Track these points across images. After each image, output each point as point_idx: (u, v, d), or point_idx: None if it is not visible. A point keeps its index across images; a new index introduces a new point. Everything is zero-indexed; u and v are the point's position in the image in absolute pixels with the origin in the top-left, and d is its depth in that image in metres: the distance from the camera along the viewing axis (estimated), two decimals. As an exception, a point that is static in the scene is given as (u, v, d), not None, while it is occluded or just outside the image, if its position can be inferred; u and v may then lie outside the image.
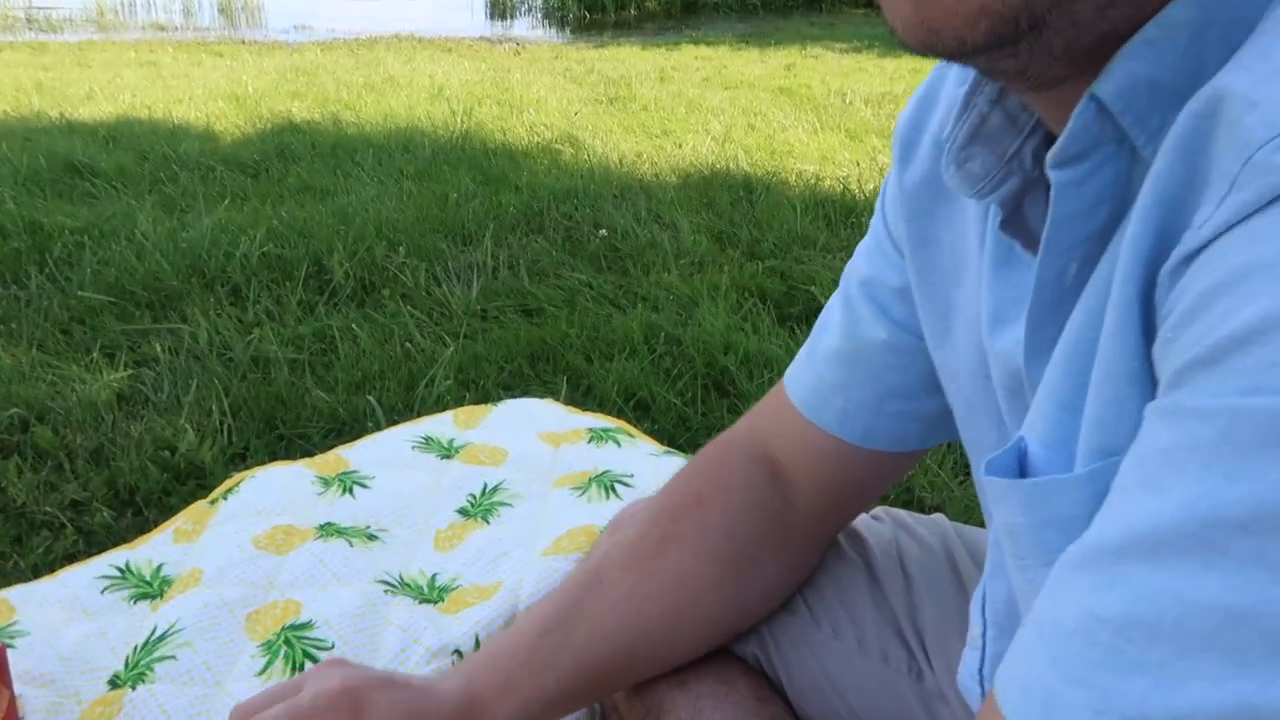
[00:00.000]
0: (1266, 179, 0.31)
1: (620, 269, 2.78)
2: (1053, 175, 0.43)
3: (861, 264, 0.75)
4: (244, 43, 8.69)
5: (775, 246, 3.01)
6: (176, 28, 9.76)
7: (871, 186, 3.76)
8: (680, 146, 4.51)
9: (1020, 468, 0.49)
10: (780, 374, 2.20)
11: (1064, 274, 0.45)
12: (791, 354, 2.16)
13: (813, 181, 3.88)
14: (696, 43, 9.42)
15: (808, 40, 9.60)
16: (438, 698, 0.67)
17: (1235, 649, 0.29)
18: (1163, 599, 0.30)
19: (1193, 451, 0.30)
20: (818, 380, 0.77)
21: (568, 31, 10.97)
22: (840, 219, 3.29)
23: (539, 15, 11.97)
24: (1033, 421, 0.48)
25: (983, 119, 0.51)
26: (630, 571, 0.76)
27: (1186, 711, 0.29)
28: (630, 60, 7.95)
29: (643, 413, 1.98)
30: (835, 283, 2.85)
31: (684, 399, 2.02)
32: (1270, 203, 0.31)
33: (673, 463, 1.65)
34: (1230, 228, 0.32)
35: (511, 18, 11.91)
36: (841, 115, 5.49)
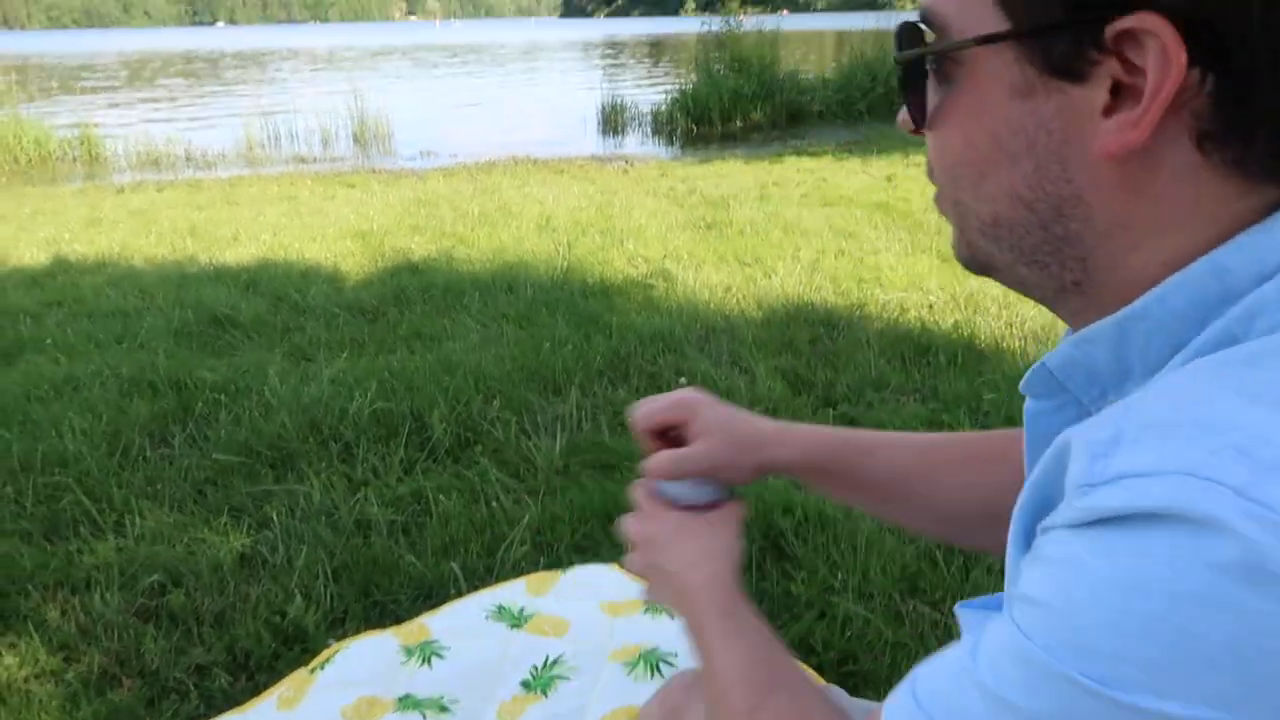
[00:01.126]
0: (1074, 507, 0.46)
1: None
2: (1026, 403, 0.63)
3: None
4: (374, 171, 9.41)
5: (849, 390, 3.14)
6: (315, 159, 10.62)
7: (951, 320, 3.86)
8: (769, 277, 4.70)
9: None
10: (835, 536, 2.29)
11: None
12: (850, 514, 2.29)
13: (895, 314, 4.01)
14: (800, 153, 9.69)
15: (911, 147, 9.74)
16: (753, 420, 0.92)
17: None
18: (970, 710, 0.49)
19: (1005, 644, 0.48)
20: None
21: (676, 145, 11.42)
22: (915, 359, 3.40)
23: (649, 129, 12.49)
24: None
25: None
26: None
27: None
28: (733, 176, 8.25)
29: (701, 577, 2.13)
30: (902, 429, 2.99)
31: (741, 562, 2.16)
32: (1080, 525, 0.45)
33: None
34: (1058, 528, 0.47)
35: (623, 133, 12.46)
36: (936, 235, 5.59)
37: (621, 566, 2.14)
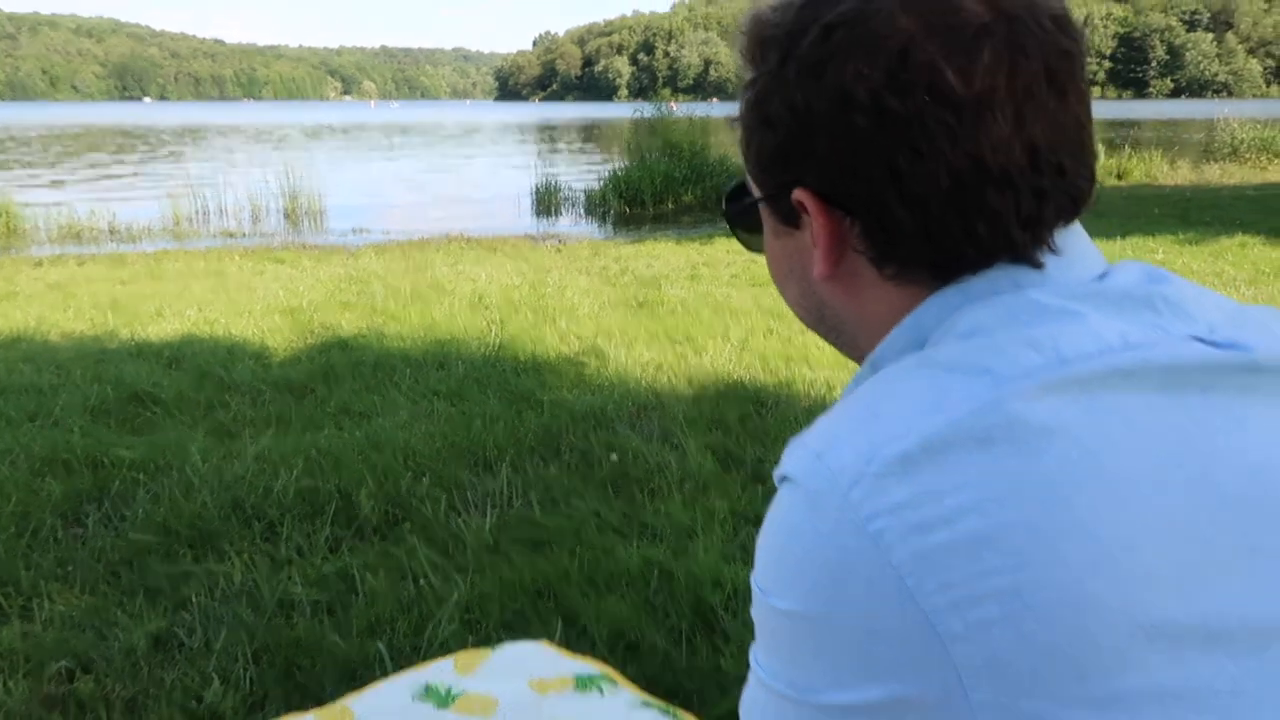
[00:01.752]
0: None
1: (628, 494, 2.97)
2: None
3: None
4: (305, 247, 9.36)
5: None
6: (245, 234, 10.53)
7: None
8: (700, 355, 4.77)
9: None
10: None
11: None
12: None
13: (823, 391, 4.09)
14: (729, 235, 9.89)
15: (835, 230, 10.04)
16: None
17: None
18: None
19: None
20: None
21: (609, 225, 11.60)
22: (841, 435, 3.47)
23: (582, 210, 12.68)
24: None
25: None
26: None
27: None
28: (664, 256, 8.40)
29: (631, 654, 2.12)
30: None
31: (671, 638, 2.16)
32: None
33: (647, 715, 1.79)
34: None
35: (556, 213, 12.62)
36: (858, 314, 5.75)
37: (550, 643, 2.12)
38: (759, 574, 0.61)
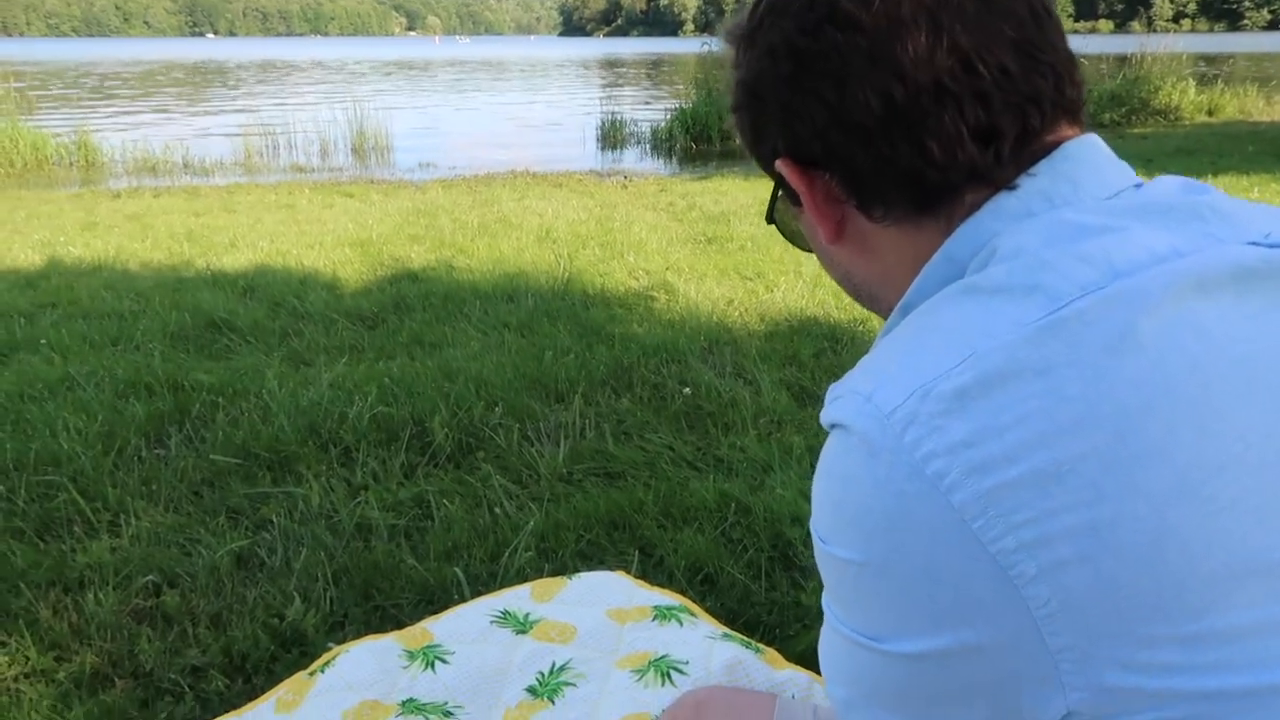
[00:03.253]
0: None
1: (701, 429, 2.93)
2: None
3: None
4: (372, 182, 9.39)
5: (853, 403, 3.11)
6: (314, 169, 10.60)
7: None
8: (771, 291, 4.68)
9: None
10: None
11: None
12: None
13: (898, 329, 3.99)
14: (798, 172, 9.69)
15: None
16: None
17: None
18: None
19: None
20: None
21: (675, 161, 11.44)
22: (920, 373, 3.38)
23: (647, 146, 12.51)
24: None
25: None
26: None
27: None
28: (732, 193, 8.25)
29: (709, 587, 2.09)
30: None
31: (750, 573, 2.13)
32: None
33: (728, 648, 1.76)
34: None
35: (621, 149, 12.47)
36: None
37: (627, 573, 2.10)
38: (817, 523, 0.60)
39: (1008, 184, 0.63)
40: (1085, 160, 0.64)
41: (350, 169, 10.63)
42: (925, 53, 0.61)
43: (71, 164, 10.58)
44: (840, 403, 0.58)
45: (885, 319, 0.75)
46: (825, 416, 0.60)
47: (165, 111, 18.03)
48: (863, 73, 0.62)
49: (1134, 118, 12.90)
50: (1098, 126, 11.93)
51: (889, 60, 0.61)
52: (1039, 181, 0.63)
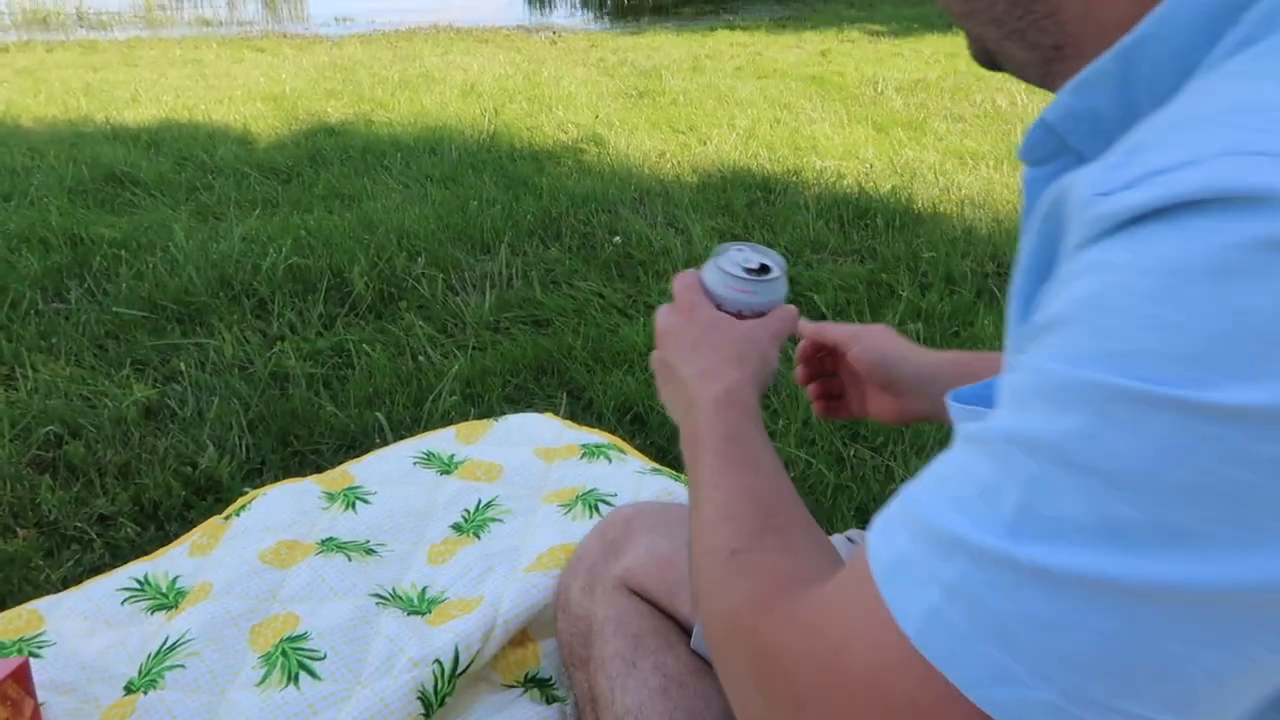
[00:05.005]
0: (1087, 220, 0.41)
1: (632, 277, 2.86)
2: (1024, 171, 0.56)
3: None
4: (286, 36, 8.87)
5: (786, 251, 3.06)
6: (221, 23, 9.97)
7: (888, 185, 3.79)
8: (705, 144, 4.56)
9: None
10: (778, 387, 2.22)
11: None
12: (789, 365, 2.23)
13: (833, 180, 3.92)
14: (733, 28, 9.41)
15: (846, 23, 9.54)
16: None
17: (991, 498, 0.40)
18: (975, 472, 0.42)
19: (1016, 391, 0.42)
20: None
21: (606, 18, 11.00)
22: (853, 221, 3.33)
23: (576, 2, 12.01)
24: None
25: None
26: None
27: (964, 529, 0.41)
28: (664, 48, 7.98)
29: (638, 426, 2.06)
30: (840, 289, 2.92)
31: (679, 412, 2.09)
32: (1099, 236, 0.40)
33: (657, 480, 1.74)
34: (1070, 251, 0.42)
35: (550, 4, 11.95)
36: (872, 106, 5.49)
37: (555, 415, 2.05)
38: (1184, 359, 0.35)
39: None
40: None
41: (261, 22, 10.03)
42: None
43: (-47, 17, 9.79)
44: (1217, 167, 0.36)
45: (1029, 67, 0.55)
46: (1157, 192, 0.37)
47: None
48: None
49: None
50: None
51: None
52: None
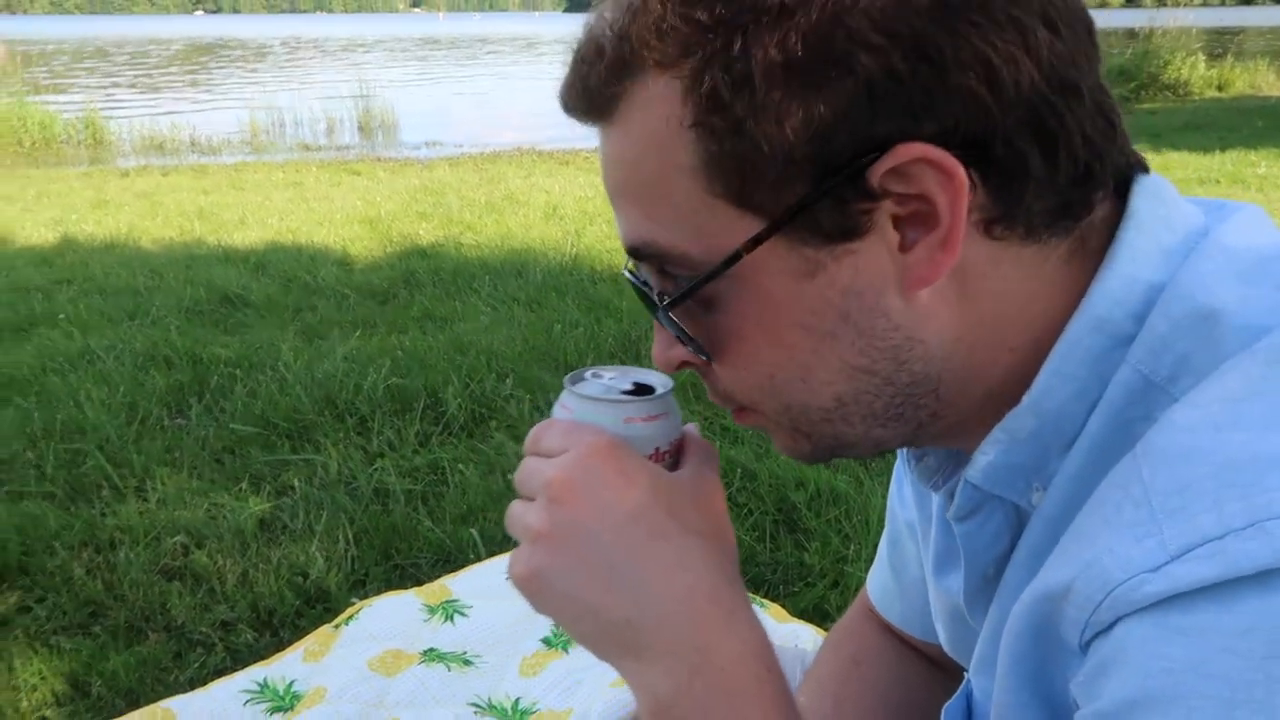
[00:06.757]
0: (1144, 594, 0.42)
1: (707, 401, 2.99)
2: (955, 527, 0.61)
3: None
4: (379, 160, 9.43)
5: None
6: (320, 147, 10.63)
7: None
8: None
9: (969, 705, 0.65)
10: (848, 510, 2.30)
11: (984, 575, 0.63)
12: (861, 488, 2.33)
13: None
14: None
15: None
16: None
17: None
18: None
19: None
20: (884, 580, 0.92)
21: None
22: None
23: (653, 123, 12.50)
24: (976, 665, 0.63)
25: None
26: None
27: None
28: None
29: (715, 547, 2.17)
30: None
31: (754, 535, 2.20)
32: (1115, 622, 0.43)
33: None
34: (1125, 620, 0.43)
35: (626, 126, 12.46)
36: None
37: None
38: None
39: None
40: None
41: (357, 147, 10.67)
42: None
43: (79, 142, 10.62)
44: (1265, 539, 0.40)
45: (925, 435, 0.57)
46: (1222, 565, 0.40)
47: (172, 89, 18.04)
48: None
49: (1143, 93, 12.86)
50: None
51: None
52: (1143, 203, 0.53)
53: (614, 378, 0.64)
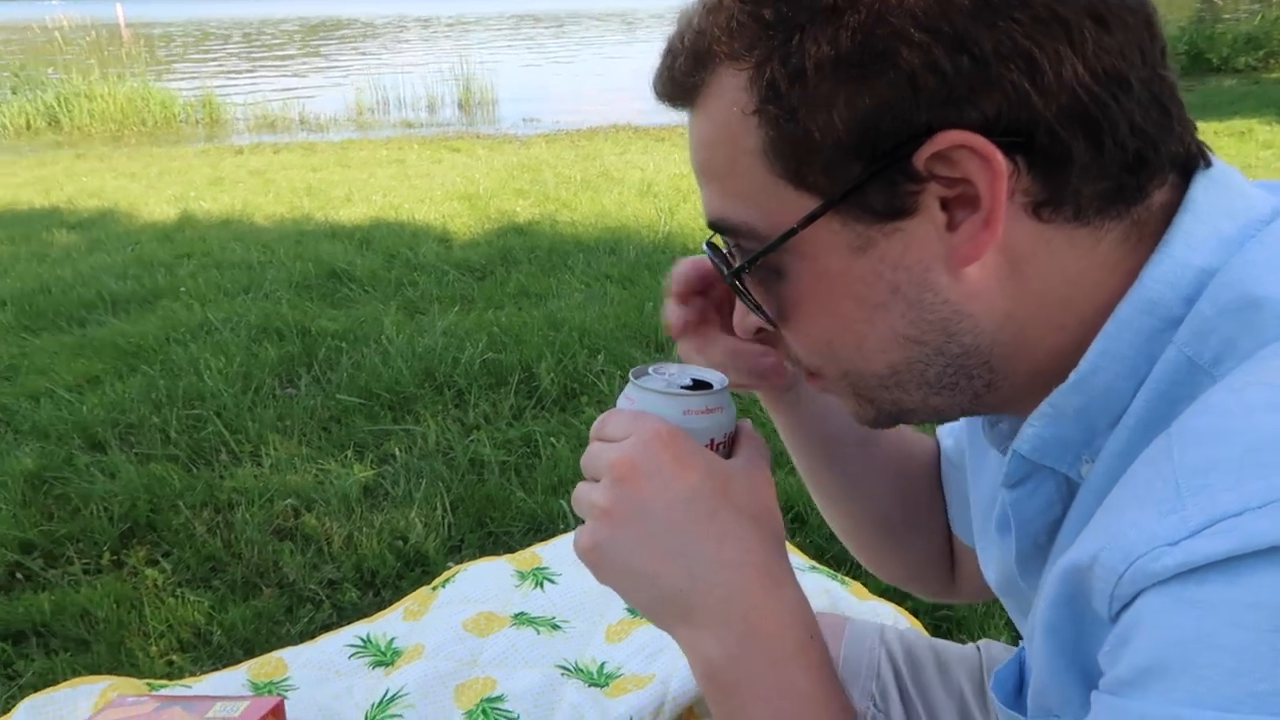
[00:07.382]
0: (1163, 565, 0.44)
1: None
2: (1005, 494, 0.63)
3: None
4: (479, 137, 9.62)
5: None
6: (422, 124, 10.89)
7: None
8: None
9: (1021, 674, 0.66)
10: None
11: (1035, 542, 0.64)
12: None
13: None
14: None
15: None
16: None
17: None
18: None
19: None
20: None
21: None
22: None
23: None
24: (1028, 636, 0.64)
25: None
26: None
27: None
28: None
29: (799, 525, 2.21)
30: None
31: (837, 513, 2.23)
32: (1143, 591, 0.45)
33: (815, 578, 1.88)
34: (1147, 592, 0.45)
35: (722, 102, 12.39)
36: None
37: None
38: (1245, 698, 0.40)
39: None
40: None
41: (457, 124, 10.90)
42: None
43: (197, 121, 11.11)
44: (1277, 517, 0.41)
45: (966, 404, 0.59)
46: (1235, 540, 0.42)
47: (283, 69, 18.65)
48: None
49: (1272, 60, 12.20)
50: (1233, 72, 11.33)
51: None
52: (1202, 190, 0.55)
53: (674, 374, 0.69)
